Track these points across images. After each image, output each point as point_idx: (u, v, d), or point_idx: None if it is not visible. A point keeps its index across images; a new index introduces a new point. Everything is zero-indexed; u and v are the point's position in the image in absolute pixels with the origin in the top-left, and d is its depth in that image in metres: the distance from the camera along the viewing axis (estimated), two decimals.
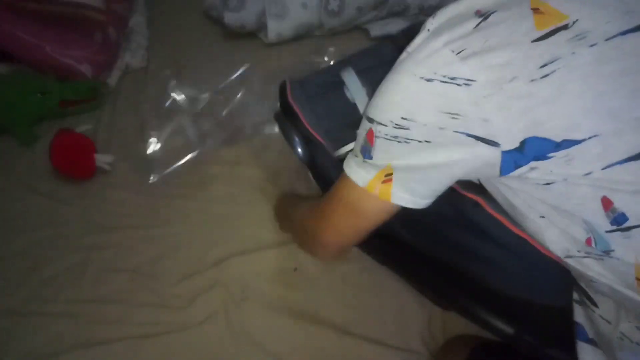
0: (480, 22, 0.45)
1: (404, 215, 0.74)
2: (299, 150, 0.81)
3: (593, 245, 0.47)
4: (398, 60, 0.51)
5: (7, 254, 1.01)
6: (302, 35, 1.38)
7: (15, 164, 1.16)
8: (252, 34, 1.38)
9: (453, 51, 0.45)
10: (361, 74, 0.83)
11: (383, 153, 0.52)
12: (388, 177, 0.53)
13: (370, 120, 0.52)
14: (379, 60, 0.87)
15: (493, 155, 0.47)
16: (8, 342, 0.89)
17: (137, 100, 1.27)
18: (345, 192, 0.58)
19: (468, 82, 0.45)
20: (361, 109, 0.82)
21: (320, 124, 0.83)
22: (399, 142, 0.50)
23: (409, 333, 0.87)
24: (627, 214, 0.44)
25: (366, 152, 0.53)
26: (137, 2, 1.48)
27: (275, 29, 1.33)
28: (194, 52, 1.38)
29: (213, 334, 0.88)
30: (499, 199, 0.56)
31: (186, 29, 1.46)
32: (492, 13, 0.45)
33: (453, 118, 0.46)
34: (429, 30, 0.49)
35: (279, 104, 0.87)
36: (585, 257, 0.49)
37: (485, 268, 0.70)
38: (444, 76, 0.45)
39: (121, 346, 0.87)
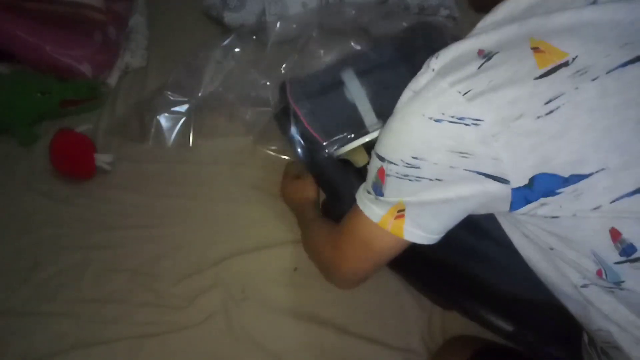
0: (483, 63, 0.46)
1: None
2: (299, 149, 0.81)
3: (604, 276, 0.48)
4: (404, 98, 0.51)
5: (7, 254, 1.01)
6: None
7: (15, 163, 1.16)
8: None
9: (460, 92, 0.45)
10: (361, 74, 0.83)
11: (394, 190, 0.53)
12: (400, 212, 0.53)
13: (381, 159, 0.53)
14: (379, 61, 0.87)
15: (504, 192, 0.47)
16: (8, 342, 0.89)
17: (137, 100, 1.27)
18: (358, 226, 0.59)
19: (476, 122, 0.45)
20: (361, 109, 0.82)
21: (320, 124, 0.83)
22: (410, 180, 0.51)
23: (408, 333, 0.87)
24: (636, 245, 0.45)
25: (377, 189, 0.55)
26: (137, 2, 1.47)
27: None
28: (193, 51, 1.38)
29: (213, 334, 0.88)
30: (509, 233, 0.56)
31: (186, 28, 1.46)
32: (495, 54, 0.46)
33: (463, 157, 0.47)
34: (433, 70, 0.49)
35: (279, 104, 0.87)
36: (596, 288, 0.50)
37: (484, 266, 0.70)
38: (452, 117, 0.46)
39: (121, 346, 0.87)
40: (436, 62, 0.49)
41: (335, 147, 0.80)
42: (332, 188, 0.84)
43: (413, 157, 0.49)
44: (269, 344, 0.87)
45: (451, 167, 0.48)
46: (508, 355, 0.72)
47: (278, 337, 0.87)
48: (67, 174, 1.11)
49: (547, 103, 0.43)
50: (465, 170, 0.47)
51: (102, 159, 1.10)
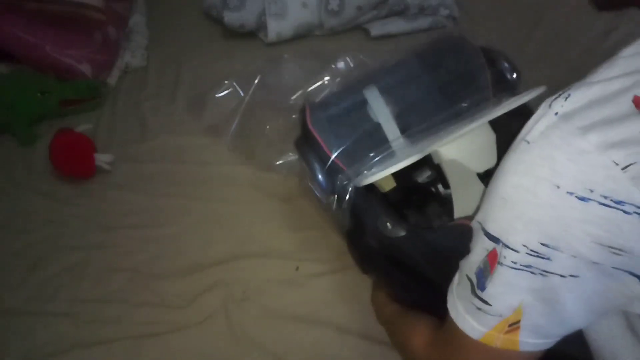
0: None
1: (428, 250, 0.70)
2: (320, 177, 0.79)
3: None
4: (515, 150, 0.38)
5: (7, 254, 1.01)
6: (302, 35, 1.38)
7: (15, 164, 1.16)
8: (252, 34, 1.38)
9: (617, 164, 0.33)
10: (385, 91, 0.80)
11: (503, 287, 0.40)
12: (514, 325, 0.41)
13: (494, 240, 0.40)
14: (403, 78, 0.83)
15: None
16: (8, 342, 0.89)
17: (137, 100, 1.27)
18: (459, 339, 0.45)
19: None
20: (385, 128, 0.79)
21: (342, 147, 0.79)
22: (532, 273, 0.38)
23: None
24: None
25: (482, 279, 0.41)
26: (137, 1, 1.48)
27: (275, 28, 1.33)
28: (193, 51, 1.38)
29: (213, 334, 0.88)
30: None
31: (186, 28, 1.46)
32: None
33: (614, 253, 0.35)
34: (557, 113, 0.36)
35: (299, 129, 0.85)
36: None
37: None
38: (606, 197, 0.34)
39: (121, 346, 0.87)
40: (563, 105, 0.36)
41: (359, 173, 0.77)
42: (355, 217, 0.77)
43: (542, 244, 0.37)
44: (269, 344, 0.86)
45: (594, 262, 0.36)
46: None
47: (278, 337, 0.87)
48: (67, 174, 1.11)
49: None
50: (614, 268, 0.36)
51: (102, 159, 1.10)
